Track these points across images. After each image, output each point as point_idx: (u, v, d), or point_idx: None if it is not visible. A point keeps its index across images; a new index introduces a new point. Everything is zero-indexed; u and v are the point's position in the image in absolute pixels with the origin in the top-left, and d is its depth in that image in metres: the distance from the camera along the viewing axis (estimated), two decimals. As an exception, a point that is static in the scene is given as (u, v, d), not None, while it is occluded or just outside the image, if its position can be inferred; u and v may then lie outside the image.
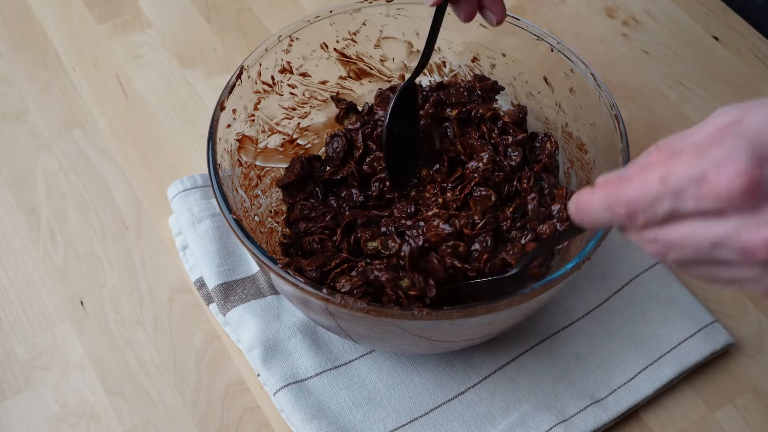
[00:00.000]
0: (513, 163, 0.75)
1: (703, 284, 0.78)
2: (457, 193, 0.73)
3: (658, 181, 0.45)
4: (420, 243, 0.68)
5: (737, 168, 0.43)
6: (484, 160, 0.73)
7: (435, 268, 0.66)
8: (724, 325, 0.75)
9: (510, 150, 0.75)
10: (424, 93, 0.79)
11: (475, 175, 0.73)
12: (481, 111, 0.77)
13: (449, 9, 0.69)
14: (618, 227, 0.48)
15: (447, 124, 0.77)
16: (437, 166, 0.75)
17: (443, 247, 0.68)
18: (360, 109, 0.80)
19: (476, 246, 0.70)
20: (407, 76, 0.81)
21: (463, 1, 0.68)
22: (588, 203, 0.49)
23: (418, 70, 0.72)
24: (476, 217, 0.71)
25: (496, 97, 0.80)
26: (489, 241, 0.70)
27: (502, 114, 0.77)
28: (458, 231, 0.70)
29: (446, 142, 0.76)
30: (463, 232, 0.70)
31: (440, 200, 0.73)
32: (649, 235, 0.47)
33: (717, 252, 0.45)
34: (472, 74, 0.80)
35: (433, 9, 0.69)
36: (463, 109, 0.77)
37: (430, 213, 0.71)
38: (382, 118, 0.76)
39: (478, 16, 0.70)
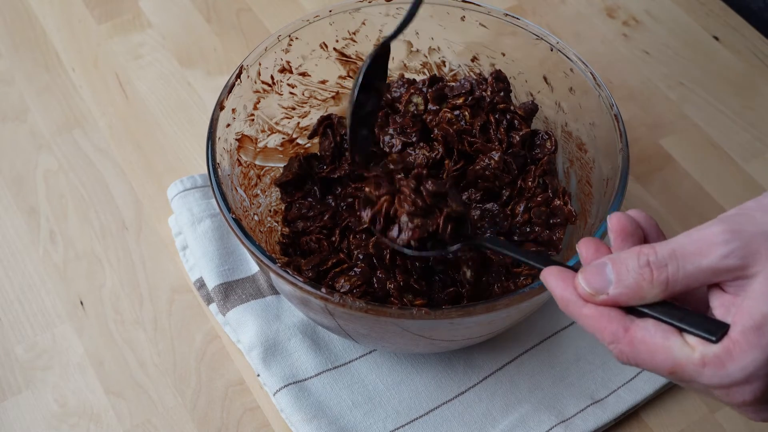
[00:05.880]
0: (519, 164, 0.74)
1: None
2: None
3: (668, 372, 0.45)
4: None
5: (753, 394, 0.44)
6: (495, 159, 0.73)
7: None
8: (724, 325, 0.75)
9: (515, 149, 0.75)
10: (422, 89, 0.79)
11: (486, 173, 0.72)
12: (496, 99, 0.76)
13: None
14: None
15: (458, 112, 0.76)
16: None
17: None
18: None
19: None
20: (407, 75, 0.81)
21: None
22: (577, 317, 0.48)
23: (398, 31, 0.63)
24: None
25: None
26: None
27: (513, 108, 0.77)
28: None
29: (454, 135, 0.74)
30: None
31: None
32: None
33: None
34: (492, 68, 0.79)
35: None
36: (470, 98, 0.76)
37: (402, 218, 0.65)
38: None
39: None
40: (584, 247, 0.49)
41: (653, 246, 0.46)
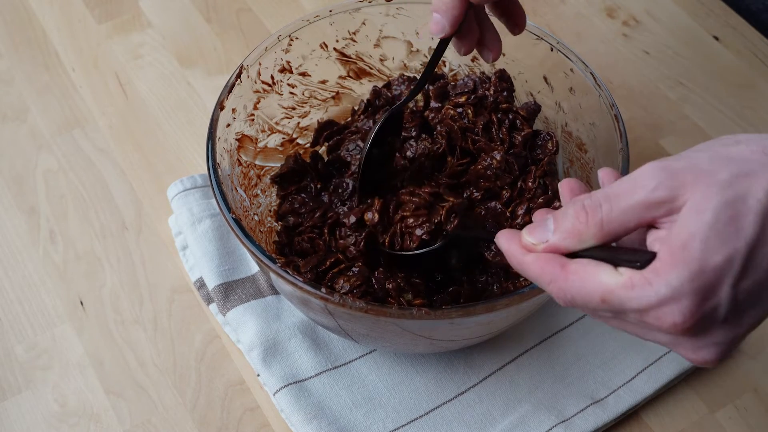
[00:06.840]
0: (520, 164, 0.74)
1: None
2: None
3: (599, 300, 0.46)
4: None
5: (682, 314, 0.44)
6: (497, 159, 0.73)
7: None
8: (724, 325, 0.75)
9: (516, 150, 0.74)
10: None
11: (488, 172, 0.73)
12: (499, 98, 0.76)
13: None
14: None
15: (461, 110, 0.76)
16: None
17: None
18: (356, 107, 0.80)
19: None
20: (407, 75, 0.81)
21: (466, 37, 0.69)
22: (519, 265, 0.50)
23: (412, 95, 0.70)
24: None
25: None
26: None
27: (515, 108, 0.77)
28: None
29: (456, 132, 0.74)
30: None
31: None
32: (590, 314, 0.49)
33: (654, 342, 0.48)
34: (493, 68, 0.79)
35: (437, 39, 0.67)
36: (473, 96, 0.76)
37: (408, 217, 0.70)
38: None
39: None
40: (565, 186, 0.52)
41: (590, 193, 0.48)
